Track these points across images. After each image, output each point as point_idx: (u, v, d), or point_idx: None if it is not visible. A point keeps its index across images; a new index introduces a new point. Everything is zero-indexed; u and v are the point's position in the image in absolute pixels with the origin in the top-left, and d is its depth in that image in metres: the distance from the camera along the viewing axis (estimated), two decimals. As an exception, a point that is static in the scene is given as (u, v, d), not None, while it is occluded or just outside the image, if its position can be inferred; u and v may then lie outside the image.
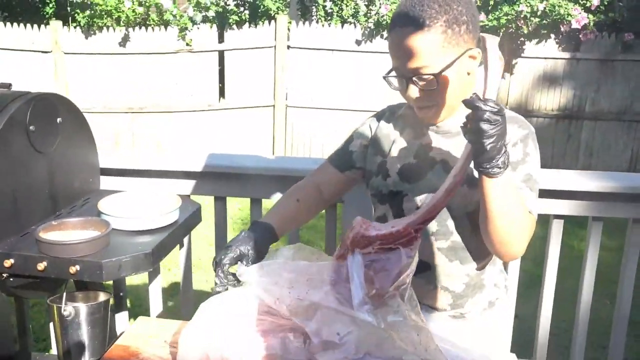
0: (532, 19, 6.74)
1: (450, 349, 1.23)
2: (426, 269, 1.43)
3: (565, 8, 6.63)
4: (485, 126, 1.13)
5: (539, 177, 1.38)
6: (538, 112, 7.37)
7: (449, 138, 1.41)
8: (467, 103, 1.16)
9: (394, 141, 1.48)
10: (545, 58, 7.20)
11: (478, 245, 1.40)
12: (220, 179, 2.14)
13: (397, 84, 1.36)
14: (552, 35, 7.04)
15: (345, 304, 1.21)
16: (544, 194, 1.96)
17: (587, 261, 2.13)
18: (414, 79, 1.30)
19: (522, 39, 7.09)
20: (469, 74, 1.33)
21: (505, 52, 7.13)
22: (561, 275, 2.19)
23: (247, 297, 1.27)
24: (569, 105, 7.35)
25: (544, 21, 6.77)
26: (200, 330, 1.24)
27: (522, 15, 6.70)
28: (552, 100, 7.37)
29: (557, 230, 2.11)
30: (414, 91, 1.32)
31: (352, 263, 1.23)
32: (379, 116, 1.55)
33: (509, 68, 7.23)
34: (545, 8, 6.67)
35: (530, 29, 6.83)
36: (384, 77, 1.37)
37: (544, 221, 1.85)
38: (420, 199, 1.41)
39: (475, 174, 1.32)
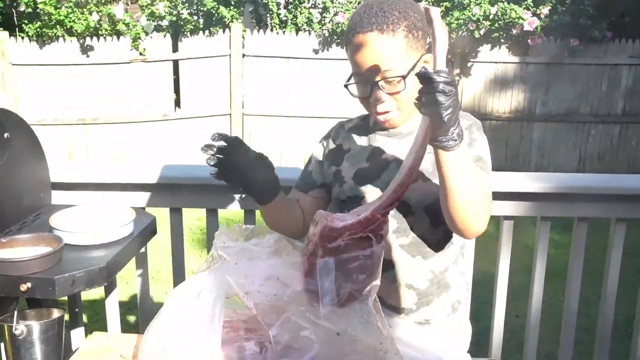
0: (483, 22, 6.90)
1: (407, 350, 1.26)
2: (389, 267, 1.44)
3: (517, 12, 6.81)
4: (441, 97, 1.12)
5: (489, 159, 1.43)
6: (491, 114, 7.55)
7: (400, 139, 1.45)
8: (420, 75, 1.14)
9: (347, 150, 1.52)
10: (496, 62, 7.38)
11: (438, 239, 1.45)
12: (175, 190, 2.13)
13: (358, 91, 1.39)
14: (503, 41, 7.23)
15: (312, 309, 1.22)
16: (496, 196, 2.03)
17: (537, 259, 2.20)
18: (380, 83, 1.33)
19: (474, 44, 7.25)
20: None
21: (458, 56, 7.29)
22: (517, 274, 2.26)
23: (210, 301, 1.26)
24: (520, 108, 7.55)
25: (496, 24, 6.94)
26: (157, 341, 1.24)
27: (474, 19, 6.85)
28: (504, 103, 7.56)
29: (507, 230, 2.17)
30: (380, 96, 1.35)
31: (322, 268, 1.22)
32: (329, 133, 1.60)
33: (462, 72, 7.39)
34: (497, 12, 6.85)
35: (481, 32, 6.99)
36: (345, 85, 1.39)
37: (495, 222, 1.91)
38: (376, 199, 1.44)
39: (429, 167, 1.39)
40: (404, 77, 1.32)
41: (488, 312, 2.30)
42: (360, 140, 1.52)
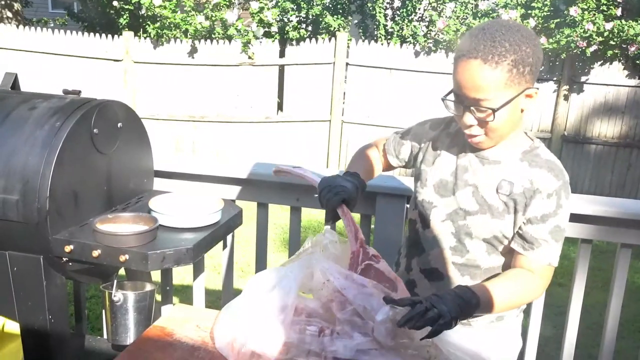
0: (596, 38, 6.61)
1: (456, 353, 1.33)
2: (439, 279, 1.54)
3: (635, 29, 6.47)
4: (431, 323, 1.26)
5: (566, 226, 1.47)
6: (598, 138, 7.24)
7: (485, 164, 1.49)
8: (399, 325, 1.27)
9: (439, 154, 1.57)
10: (608, 84, 7.07)
11: (491, 265, 1.51)
12: (262, 186, 2.29)
13: (453, 107, 1.43)
14: (617, 61, 6.89)
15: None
16: (576, 218, 2.02)
17: (615, 285, 2.16)
18: (472, 108, 1.37)
19: (584, 64, 6.98)
20: (522, 110, 1.41)
21: (566, 76, 7.05)
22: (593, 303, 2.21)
23: (287, 288, 1.39)
24: (630, 133, 7.18)
25: (611, 42, 6.62)
26: (232, 318, 1.39)
27: (586, 35, 6.57)
28: (613, 127, 7.22)
29: (584, 254, 2.15)
30: (469, 119, 1.39)
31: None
32: (437, 125, 1.64)
33: (569, 94, 7.14)
34: (612, 27, 6.53)
35: (591, 50, 6.70)
36: (442, 99, 1.45)
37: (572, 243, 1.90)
38: (445, 214, 1.52)
39: (496, 204, 1.45)
40: (494, 111, 1.34)
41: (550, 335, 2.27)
42: (454, 150, 1.55)
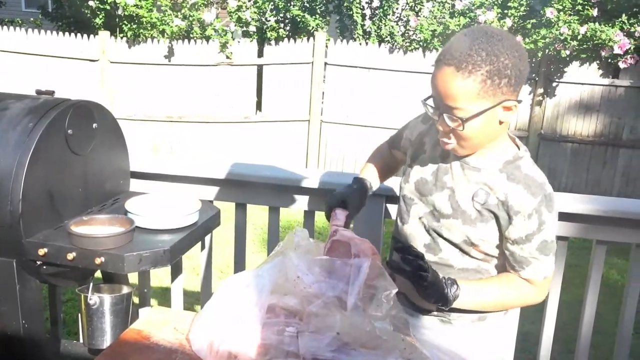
0: (571, 42, 6.72)
1: (433, 351, 1.33)
2: None
3: (607, 34, 6.59)
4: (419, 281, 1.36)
5: (554, 238, 1.45)
6: (574, 137, 7.33)
7: (465, 169, 1.47)
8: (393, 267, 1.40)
9: (425, 151, 1.57)
10: (583, 84, 7.17)
11: (464, 266, 1.50)
12: (241, 186, 2.28)
13: (431, 109, 1.41)
14: (592, 61, 7.00)
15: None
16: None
17: (591, 281, 2.19)
18: (444, 115, 1.35)
19: (560, 65, 7.09)
20: (501, 122, 1.38)
21: (542, 76, 7.14)
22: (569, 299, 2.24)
23: (257, 289, 1.39)
24: (605, 132, 7.29)
25: (584, 45, 6.73)
26: (208, 320, 1.37)
27: (562, 38, 6.67)
28: (588, 125, 7.32)
29: (560, 252, 2.17)
30: (442, 125, 1.38)
31: (355, 269, 1.35)
32: (428, 119, 1.60)
33: (545, 93, 7.23)
34: (586, 32, 6.64)
35: (568, 52, 6.81)
36: (423, 102, 1.43)
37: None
38: (422, 212, 1.53)
39: (469, 211, 1.45)
40: (462, 121, 1.31)
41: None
42: (437, 149, 1.53)
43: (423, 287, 1.35)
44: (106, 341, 1.88)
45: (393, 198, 2.18)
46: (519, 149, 1.48)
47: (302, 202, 2.27)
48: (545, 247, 1.43)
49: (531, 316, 2.29)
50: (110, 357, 1.32)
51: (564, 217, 2.09)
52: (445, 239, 1.49)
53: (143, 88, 7.47)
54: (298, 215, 5.07)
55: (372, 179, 1.79)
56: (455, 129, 1.34)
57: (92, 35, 7.41)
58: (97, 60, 7.39)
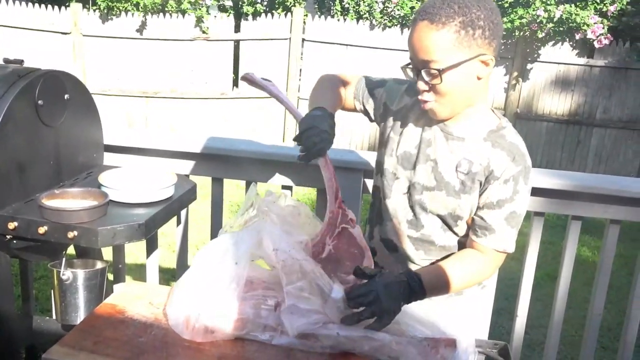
0: (547, 24, 6.76)
1: (411, 323, 1.33)
2: (395, 250, 1.54)
3: (582, 17, 6.64)
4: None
5: (523, 212, 1.46)
6: (549, 116, 7.40)
7: (448, 140, 1.46)
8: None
9: (408, 124, 1.53)
10: (558, 63, 7.22)
11: (445, 243, 1.51)
12: (217, 160, 2.25)
13: (411, 74, 1.41)
14: (567, 41, 7.06)
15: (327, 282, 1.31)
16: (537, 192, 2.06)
17: (566, 256, 2.21)
18: (422, 71, 1.35)
19: (536, 43, 7.12)
20: (479, 78, 1.37)
21: (519, 55, 7.17)
22: (542, 275, 2.27)
23: (233, 261, 1.37)
24: (579, 111, 7.37)
25: (560, 28, 6.78)
26: (184, 293, 1.35)
27: (537, 20, 6.71)
28: (563, 105, 7.40)
29: (537, 227, 2.19)
30: (421, 84, 1.37)
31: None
32: (411, 92, 1.54)
33: (521, 72, 7.27)
34: (561, 15, 6.69)
35: (544, 34, 6.85)
36: (402, 68, 1.43)
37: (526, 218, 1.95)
38: (405, 186, 1.51)
39: (453, 182, 1.44)
40: (439, 72, 1.31)
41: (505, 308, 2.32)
42: (421, 122, 1.50)
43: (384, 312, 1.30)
44: (79, 317, 1.85)
45: (371, 173, 2.17)
46: (499, 119, 1.48)
47: (280, 178, 2.25)
48: (513, 219, 1.44)
49: (505, 292, 2.31)
50: (83, 331, 1.30)
51: (540, 192, 2.11)
52: (428, 212, 1.48)
53: (117, 62, 7.32)
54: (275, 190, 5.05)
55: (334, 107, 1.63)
56: (434, 84, 1.34)
57: (63, 7, 7.21)
58: (69, 33, 7.21)
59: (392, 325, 1.31)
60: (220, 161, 2.25)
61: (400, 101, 1.57)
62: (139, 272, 3.83)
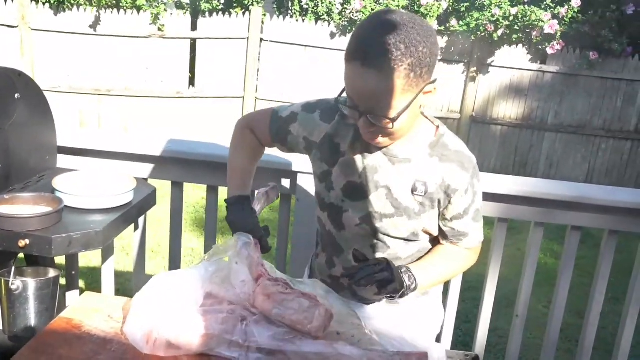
0: (503, 22, 6.88)
1: (378, 338, 1.30)
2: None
3: (537, 14, 6.79)
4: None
5: (482, 206, 1.49)
6: (503, 120, 7.53)
7: (395, 163, 1.40)
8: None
9: (343, 154, 1.44)
10: (513, 68, 7.36)
11: (410, 253, 1.48)
12: (177, 164, 2.17)
13: (348, 111, 1.31)
14: (522, 45, 7.19)
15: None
16: (493, 198, 2.06)
17: (528, 263, 2.23)
18: (368, 116, 1.25)
19: (492, 47, 7.23)
20: (421, 107, 1.32)
21: (475, 59, 7.27)
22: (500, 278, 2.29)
23: (202, 275, 1.31)
24: (532, 116, 7.53)
25: (516, 26, 6.90)
26: (142, 310, 1.28)
27: (494, 19, 6.82)
28: (517, 109, 7.53)
29: (501, 232, 2.20)
30: (367, 125, 1.28)
31: None
32: (329, 117, 1.47)
33: (477, 77, 7.37)
34: (517, 13, 6.82)
35: (499, 34, 6.96)
36: (336, 100, 1.33)
37: (489, 222, 1.95)
38: (359, 217, 1.44)
39: (412, 206, 1.40)
40: (392, 120, 1.23)
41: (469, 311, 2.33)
42: (358, 148, 1.42)
43: (395, 292, 1.30)
44: (30, 329, 1.75)
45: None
46: (433, 124, 1.43)
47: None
48: (478, 215, 1.47)
49: (463, 294, 2.32)
50: (36, 350, 1.21)
51: (504, 199, 2.12)
52: (391, 237, 1.44)
53: (68, 58, 7.07)
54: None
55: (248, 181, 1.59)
56: (383, 127, 1.26)
57: (9, 0, 6.93)
58: (16, 27, 6.92)
59: (362, 336, 1.28)
60: (181, 165, 2.18)
61: (319, 131, 1.47)
62: (92, 277, 3.70)
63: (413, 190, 1.39)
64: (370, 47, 1.19)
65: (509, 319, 2.36)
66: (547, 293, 3.16)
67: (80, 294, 2.27)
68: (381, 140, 1.33)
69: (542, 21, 6.82)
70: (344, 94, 1.30)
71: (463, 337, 3.13)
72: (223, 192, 2.38)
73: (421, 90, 1.25)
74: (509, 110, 7.54)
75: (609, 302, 2.24)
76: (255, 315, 1.26)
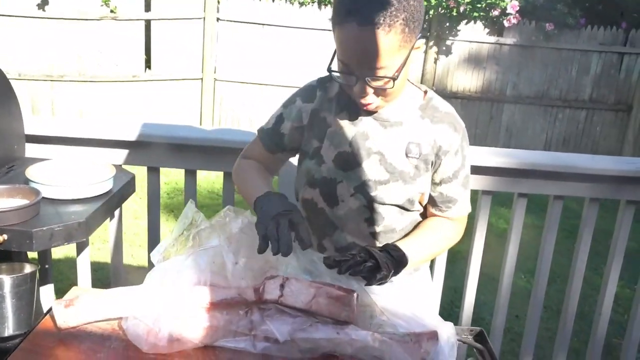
0: (464, 1, 6.89)
1: (392, 319, 1.26)
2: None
3: None
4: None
5: (469, 174, 1.47)
6: (463, 93, 7.59)
7: (386, 127, 1.38)
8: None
9: (329, 125, 1.41)
10: (471, 41, 7.40)
11: (405, 224, 1.45)
12: (153, 148, 2.08)
13: (342, 78, 1.28)
14: (480, 19, 7.24)
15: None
16: (478, 170, 2.06)
17: (511, 235, 2.24)
18: (368, 79, 1.23)
19: (450, 22, 7.25)
20: (412, 62, 1.29)
21: (434, 34, 7.28)
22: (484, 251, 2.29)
23: (202, 265, 1.25)
24: (491, 88, 7.62)
25: (477, 5, 6.93)
26: (146, 302, 1.21)
27: (456, -3, 6.84)
28: (476, 82, 7.61)
29: (485, 204, 2.20)
30: (364, 89, 1.26)
31: None
32: (310, 95, 1.45)
33: (436, 50, 7.39)
34: None
35: (460, 10, 6.98)
36: (329, 70, 1.28)
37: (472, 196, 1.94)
38: (353, 187, 1.40)
39: (407, 169, 1.37)
40: (393, 79, 1.22)
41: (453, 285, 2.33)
42: (346, 117, 1.40)
43: (384, 278, 1.23)
44: (8, 328, 1.66)
45: None
46: (420, 89, 1.43)
47: (221, 164, 2.12)
48: (467, 181, 1.46)
49: (453, 268, 2.32)
50: (29, 352, 1.13)
51: (488, 171, 2.11)
52: (386, 205, 1.40)
53: (16, 43, 6.74)
54: (216, 179, 4.86)
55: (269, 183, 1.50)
56: (382, 88, 1.25)
57: (-51, -18, 6.56)
58: (-44, 11, 6.58)
59: (370, 321, 1.24)
60: (156, 149, 2.09)
61: (305, 112, 1.44)
62: (64, 266, 3.56)
63: (407, 153, 1.38)
64: (365, 5, 1.17)
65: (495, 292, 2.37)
66: (528, 266, 3.20)
67: (55, 289, 2.18)
68: (378, 103, 1.31)
69: (504, 1, 6.87)
70: (336, 63, 1.27)
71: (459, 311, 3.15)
72: (201, 176, 2.31)
73: (413, 46, 1.24)
74: (468, 82, 7.60)
75: (592, 271, 2.28)
76: (260, 304, 1.20)
